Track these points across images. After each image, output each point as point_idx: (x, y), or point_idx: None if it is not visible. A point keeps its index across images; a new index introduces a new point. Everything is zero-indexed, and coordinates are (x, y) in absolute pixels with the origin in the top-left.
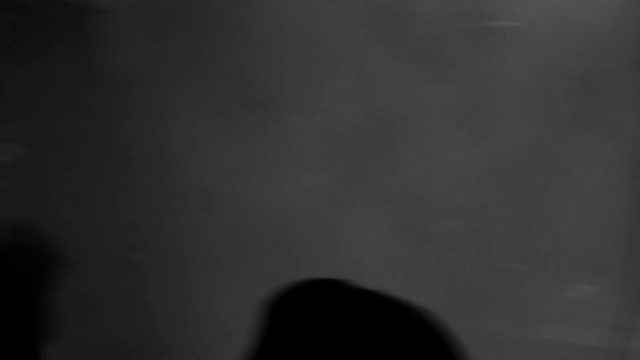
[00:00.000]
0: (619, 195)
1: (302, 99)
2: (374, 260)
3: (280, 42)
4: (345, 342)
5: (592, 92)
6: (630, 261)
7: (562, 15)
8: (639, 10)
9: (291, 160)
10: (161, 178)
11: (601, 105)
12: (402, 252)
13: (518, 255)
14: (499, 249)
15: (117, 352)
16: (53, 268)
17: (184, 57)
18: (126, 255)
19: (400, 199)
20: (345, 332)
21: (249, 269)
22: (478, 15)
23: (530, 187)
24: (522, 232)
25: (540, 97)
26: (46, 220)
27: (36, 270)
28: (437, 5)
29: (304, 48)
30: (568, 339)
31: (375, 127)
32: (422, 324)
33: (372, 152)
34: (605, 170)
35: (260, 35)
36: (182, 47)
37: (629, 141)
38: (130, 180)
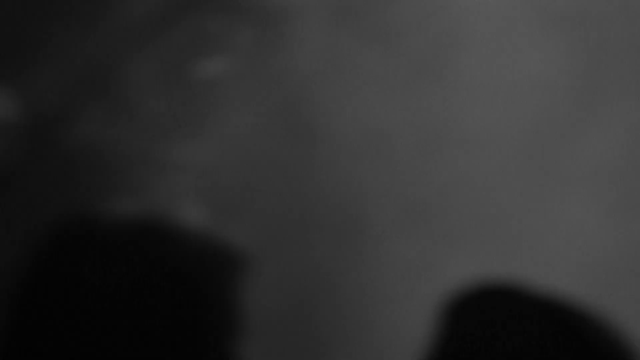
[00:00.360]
0: None
1: (481, 74)
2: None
3: (451, 22)
4: (525, 353)
5: None
6: None
7: None
8: None
9: (481, 139)
10: (351, 173)
11: None
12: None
13: None
14: None
15: (309, 353)
16: (243, 271)
17: (367, 51)
18: (315, 255)
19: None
20: (526, 342)
21: (442, 261)
22: None
23: None
24: None
25: None
26: (234, 222)
27: (225, 273)
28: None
29: (481, 24)
30: None
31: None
32: (601, 331)
33: (556, 136)
34: None
35: (436, 18)
36: (368, 42)
37: None
38: (316, 177)
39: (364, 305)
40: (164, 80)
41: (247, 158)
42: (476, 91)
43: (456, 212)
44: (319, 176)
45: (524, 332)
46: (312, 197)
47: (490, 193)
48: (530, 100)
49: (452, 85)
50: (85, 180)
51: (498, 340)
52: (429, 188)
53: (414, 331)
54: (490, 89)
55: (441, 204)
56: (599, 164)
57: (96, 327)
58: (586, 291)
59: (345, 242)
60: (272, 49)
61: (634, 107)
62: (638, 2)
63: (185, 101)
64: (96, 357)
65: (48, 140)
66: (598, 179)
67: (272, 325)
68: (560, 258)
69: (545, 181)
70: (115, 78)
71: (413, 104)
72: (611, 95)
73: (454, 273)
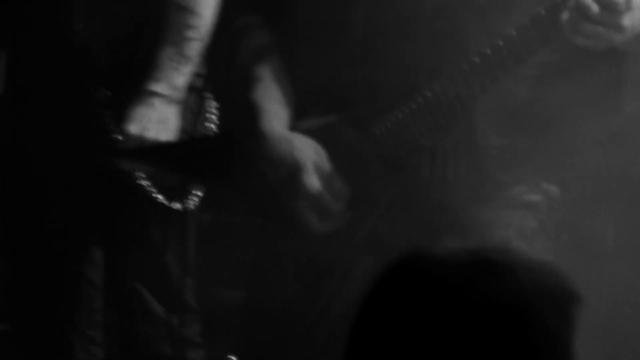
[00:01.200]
0: None
1: None
2: None
3: None
4: None
5: None
6: None
7: None
8: None
9: None
10: None
11: None
12: None
13: None
14: None
15: None
16: (573, 307)
17: None
18: None
19: None
20: None
21: None
22: None
23: None
24: None
25: None
26: (579, 258)
27: (564, 309)
28: None
29: None
30: None
31: None
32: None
33: None
34: None
35: None
36: None
37: None
38: None
39: None
40: (509, 116)
41: (592, 197)
42: None
43: None
44: None
45: None
46: None
47: None
48: None
49: None
50: (420, 218)
51: None
52: None
53: None
54: None
55: None
56: None
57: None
58: None
59: None
60: None
61: None
62: None
63: (532, 139)
64: None
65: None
66: None
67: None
68: None
69: None
70: (463, 109)
71: None
72: None
73: None
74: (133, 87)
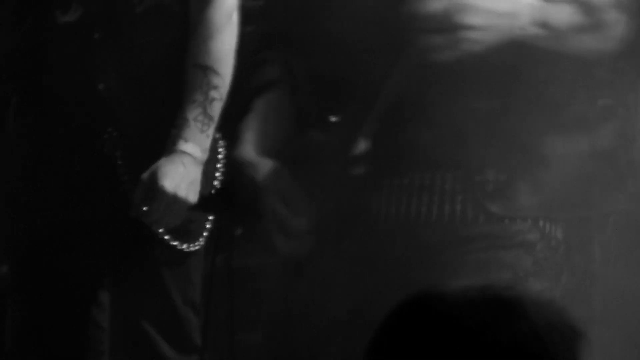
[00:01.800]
0: None
1: None
2: None
3: None
4: None
5: None
6: None
7: None
8: None
9: None
10: None
11: None
12: None
13: None
14: None
15: None
16: (580, 343)
17: None
18: None
19: None
20: None
21: None
22: None
23: None
24: None
25: None
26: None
27: (566, 346)
28: None
29: None
30: None
31: None
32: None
33: None
34: None
35: None
36: None
37: None
38: None
39: None
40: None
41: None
42: None
43: None
44: None
45: None
46: None
47: None
48: None
49: None
50: (426, 258)
51: None
52: None
53: None
54: None
55: None
56: None
57: None
58: None
59: None
60: None
61: None
62: None
63: (529, 175)
64: None
65: None
66: None
67: None
68: None
69: None
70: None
71: None
72: None
73: None
74: (145, 131)
